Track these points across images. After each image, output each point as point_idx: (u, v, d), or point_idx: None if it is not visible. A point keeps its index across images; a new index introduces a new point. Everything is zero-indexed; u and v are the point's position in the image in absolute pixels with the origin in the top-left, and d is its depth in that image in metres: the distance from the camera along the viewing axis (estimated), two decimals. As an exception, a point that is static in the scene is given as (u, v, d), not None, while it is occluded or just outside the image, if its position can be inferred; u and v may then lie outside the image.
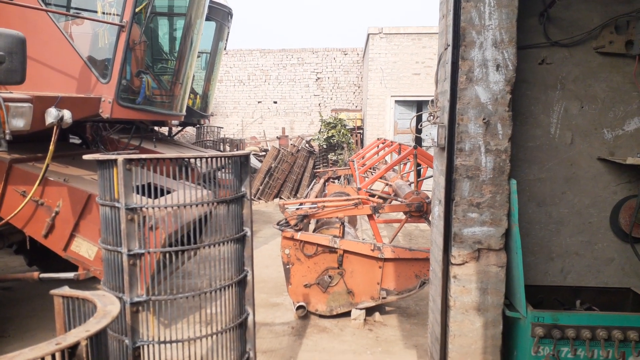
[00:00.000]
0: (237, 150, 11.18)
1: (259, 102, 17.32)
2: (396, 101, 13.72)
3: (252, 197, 9.90)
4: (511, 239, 2.78)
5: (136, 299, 2.53)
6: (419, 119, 12.33)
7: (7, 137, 3.41)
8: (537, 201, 3.13)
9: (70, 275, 4.10)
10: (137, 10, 4.74)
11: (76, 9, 5.05)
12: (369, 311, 4.94)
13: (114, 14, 4.78)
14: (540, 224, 3.14)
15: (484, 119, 2.78)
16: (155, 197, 2.66)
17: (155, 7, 5.00)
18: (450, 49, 2.83)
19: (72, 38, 4.54)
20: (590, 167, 3.09)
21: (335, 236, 4.83)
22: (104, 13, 4.93)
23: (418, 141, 13.22)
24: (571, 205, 3.12)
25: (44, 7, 4.49)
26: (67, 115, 3.83)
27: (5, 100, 3.40)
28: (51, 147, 3.83)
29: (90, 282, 5.02)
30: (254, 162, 13.59)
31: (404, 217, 5.40)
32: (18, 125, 3.50)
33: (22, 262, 6.04)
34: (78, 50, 4.53)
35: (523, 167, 3.10)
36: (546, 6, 2.98)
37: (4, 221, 4.10)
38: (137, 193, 2.57)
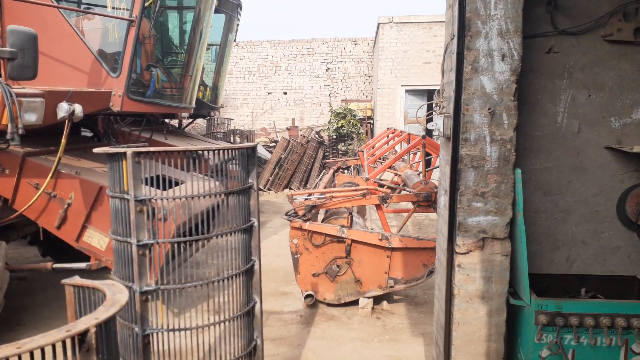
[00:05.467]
0: (247, 141, 11.24)
1: (268, 93, 17.35)
2: (407, 90, 13.65)
3: (262, 188, 9.96)
4: (516, 227, 2.79)
5: (145, 288, 2.59)
6: (428, 109, 12.23)
7: (20, 132, 3.49)
8: (543, 190, 3.13)
9: (82, 265, 4.20)
10: (146, 4, 4.77)
11: (87, 4, 5.11)
12: (377, 300, 4.98)
13: (123, 9, 4.83)
14: (547, 213, 3.14)
15: (489, 109, 2.78)
16: (165, 188, 2.72)
17: (164, 1, 5.02)
18: (455, 39, 2.83)
19: (82, 33, 4.60)
20: (597, 155, 3.07)
21: (343, 226, 4.87)
22: (113, 8, 4.98)
23: (428, 131, 13.12)
24: (578, 194, 3.11)
25: (55, 4, 4.54)
26: (78, 109, 3.89)
27: (18, 95, 3.47)
28: (63, 141, 3.91)
29: (102, 272, 5.13)
30: (264, 153, 13.65)
31: (412, 206, 5.42)
32: (30, 119, 3.58)
33: (36, 253, 6.19)
34: (89, 45, 4.59)
35: (530, 156, 3.10)
36: (552, -6, 2.95)
37: (17, 213, 4.21)
38: (147, 184, 2.62)
